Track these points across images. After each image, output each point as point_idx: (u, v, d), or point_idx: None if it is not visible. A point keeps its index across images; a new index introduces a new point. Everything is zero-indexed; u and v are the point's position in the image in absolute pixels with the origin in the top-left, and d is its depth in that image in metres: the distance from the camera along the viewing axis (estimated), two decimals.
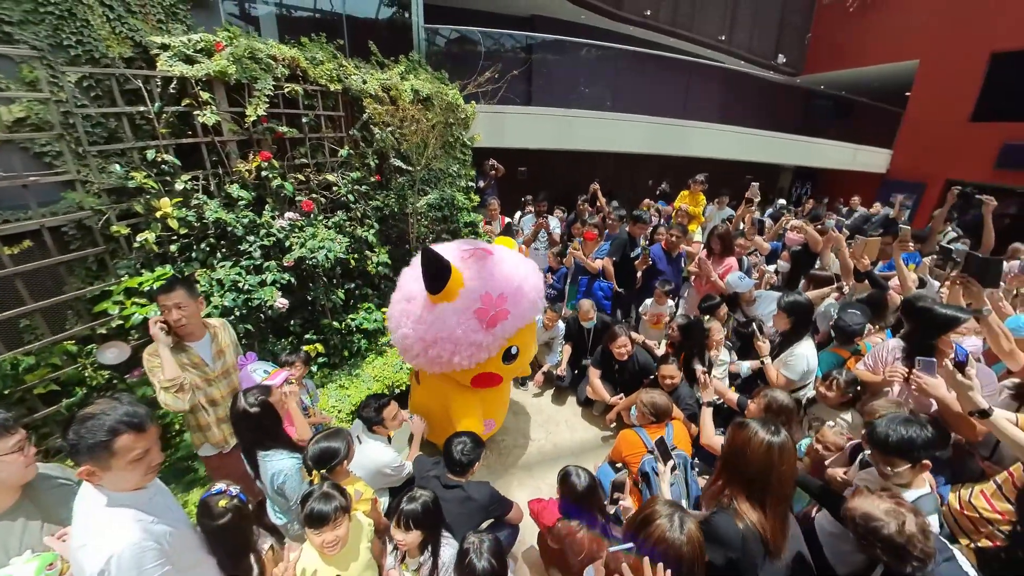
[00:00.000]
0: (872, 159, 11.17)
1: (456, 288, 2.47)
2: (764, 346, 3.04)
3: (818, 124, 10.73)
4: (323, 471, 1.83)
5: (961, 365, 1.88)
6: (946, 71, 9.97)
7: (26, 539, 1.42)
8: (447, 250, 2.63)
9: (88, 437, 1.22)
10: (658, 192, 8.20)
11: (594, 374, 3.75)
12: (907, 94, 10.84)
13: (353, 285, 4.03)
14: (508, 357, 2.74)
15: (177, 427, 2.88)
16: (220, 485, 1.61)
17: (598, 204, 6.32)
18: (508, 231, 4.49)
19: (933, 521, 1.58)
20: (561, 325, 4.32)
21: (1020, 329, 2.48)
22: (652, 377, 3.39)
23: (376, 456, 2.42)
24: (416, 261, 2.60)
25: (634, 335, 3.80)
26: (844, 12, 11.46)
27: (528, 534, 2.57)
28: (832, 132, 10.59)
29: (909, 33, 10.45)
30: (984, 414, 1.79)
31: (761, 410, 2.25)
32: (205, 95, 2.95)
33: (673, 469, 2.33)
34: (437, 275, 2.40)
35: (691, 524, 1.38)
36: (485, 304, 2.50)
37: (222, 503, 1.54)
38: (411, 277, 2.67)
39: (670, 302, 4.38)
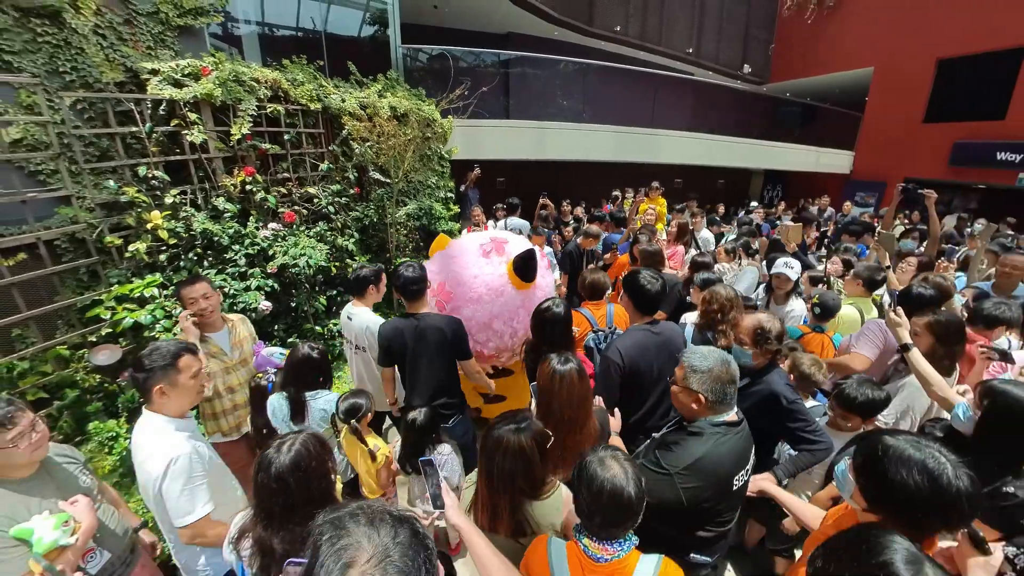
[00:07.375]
0: (835, 160, 11.73)
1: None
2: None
3: (785, 129, 11.27)
4: (351, 422, 2.08)
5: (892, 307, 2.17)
6: (898, 77, 10.61)
7: (44, 504, 1.59)
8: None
9: (159, 360, 1.61)
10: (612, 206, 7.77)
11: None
12: (866, 99, 11.46)
13: (335, 292, 4.23)
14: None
15: None
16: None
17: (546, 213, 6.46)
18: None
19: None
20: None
21: None
22: None
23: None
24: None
25: None
26: (803, 24, 12.13)
27: None
28: (799, 137, 11.13)
29: (863, 43, 11.11)
30: (906, 348, 2.04)
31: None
32: (193, 116, 3.18)
33: None
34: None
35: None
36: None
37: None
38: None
39: None
